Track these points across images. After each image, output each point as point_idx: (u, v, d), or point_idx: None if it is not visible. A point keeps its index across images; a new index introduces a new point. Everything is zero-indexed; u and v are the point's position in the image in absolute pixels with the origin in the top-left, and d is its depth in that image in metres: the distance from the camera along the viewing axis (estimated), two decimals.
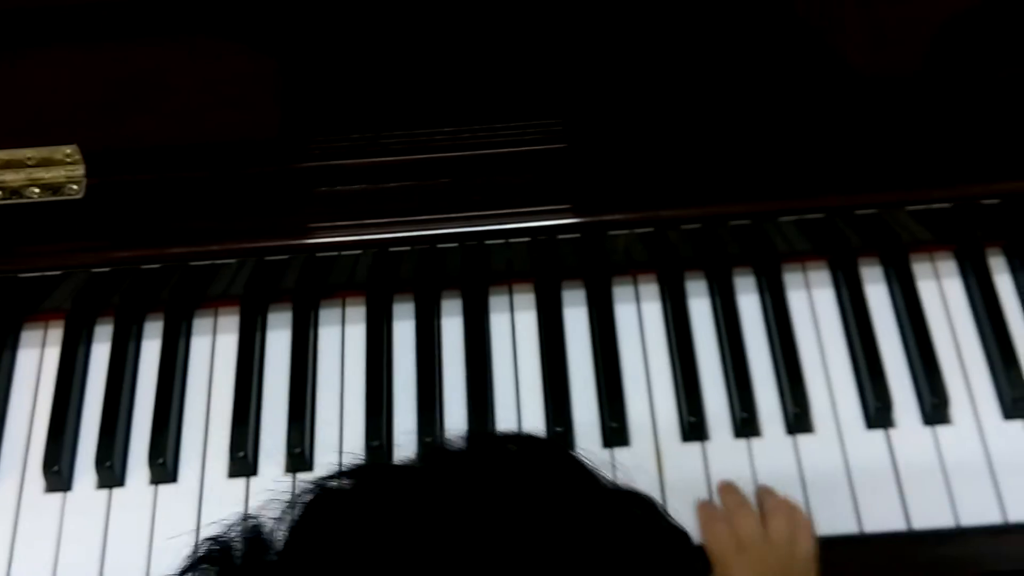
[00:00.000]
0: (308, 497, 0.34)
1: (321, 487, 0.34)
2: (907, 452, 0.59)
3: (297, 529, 0.33)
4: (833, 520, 0.56)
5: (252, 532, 0.33)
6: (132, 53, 0.54)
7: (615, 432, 0.59)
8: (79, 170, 0.54)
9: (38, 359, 0.63)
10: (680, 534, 0.36)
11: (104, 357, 0.62)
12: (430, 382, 0.61)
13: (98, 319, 0.63)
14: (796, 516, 0.57)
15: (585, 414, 0.60)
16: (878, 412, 0.59)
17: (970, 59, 0.59)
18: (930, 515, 0.57)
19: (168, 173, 0.55)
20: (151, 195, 0.55)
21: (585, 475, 0.35)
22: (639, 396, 0.61)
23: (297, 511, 0.33)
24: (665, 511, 0.35)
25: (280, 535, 0.33)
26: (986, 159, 0.60)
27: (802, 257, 0.65)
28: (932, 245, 0.65)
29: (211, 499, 0.58)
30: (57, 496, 0.59)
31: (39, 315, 0.63)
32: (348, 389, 0.61)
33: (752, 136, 0.60)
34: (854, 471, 0.58)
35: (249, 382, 0.61)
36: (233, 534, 0.33)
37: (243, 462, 0.58)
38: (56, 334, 0.63)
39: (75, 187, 0.54)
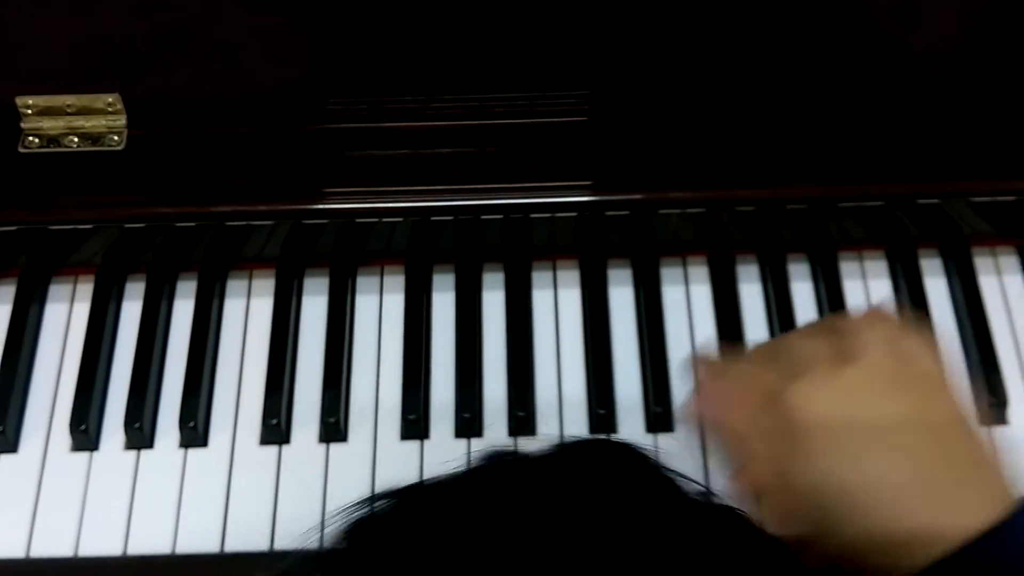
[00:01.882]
0: (349, 524, 0.31)
1: (365, 512, 0.31)
2: None
3: (348, 557, 0.30)
4: None
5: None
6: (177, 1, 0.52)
7: (660, 417, 0.57)
8: (120, 120, 0.52)
9: (67, 314, 0.61)
10: (778, 545, 0.30)
11: (135, 315, 0.60)
12: (470, 356, 0.59)
13: (130, 276, 0.61)
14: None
15: (629, 397, 0.58)
16: None
17: None
18: None
19: (211, 128, 0.53)
20: (193, 150, 0.53)
21: (671, 488, 0.30)
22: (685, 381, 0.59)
23: (336, 543, 0.30)
24: (760, 527, 0.30)
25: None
26: None
27: (859, 246, 0.62)
28: (994, 239, 0.62)
29: (241, 465, 0.57)
30: (83, 456, 0.57)
31: (68, 269, 0.61)
32: (384, 360, 0.60)
33: (814, 119, 0.58)
34: None
35: (284, 347, 0.59)
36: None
37: (276, 429, 0.57)
38: (86, 289, 0.61)
39: (116, 138, 0.52)
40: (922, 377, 0.38)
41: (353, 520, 0.31)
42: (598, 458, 0.33)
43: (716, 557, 0.28)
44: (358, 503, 0.31)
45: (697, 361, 0.46)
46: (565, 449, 0.33)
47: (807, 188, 0.56)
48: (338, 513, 0.31)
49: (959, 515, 0.34)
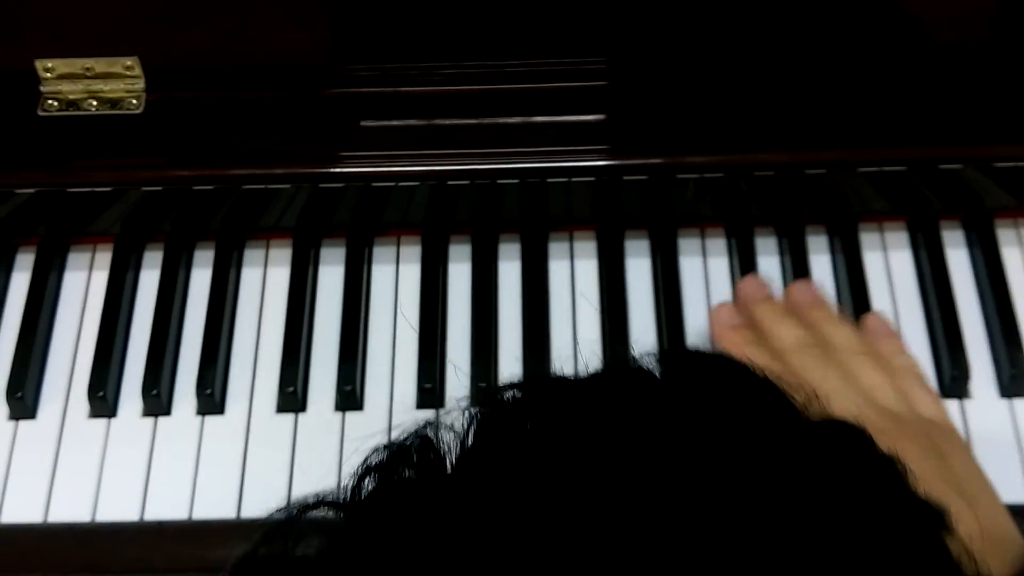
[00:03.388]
0: (483, 412, 0.30)
1: (497, 400, 0.30)
2: (981, 424, 0.56)
3: (476, 447, 0.29)
4: None
5: (423, 445, 0.30)
6: None
7: None
8: (139, 84, 0.52)
9: (85, 282, 0.61)
10: (889, 460, 0.29)
11: (153, 284, 0.61)
12: (485, 327, 0.59)
13: (148, 245, 0.62)
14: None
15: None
16: (954, 381, 0.56)
17: None
18: (1004, 490, 0.54)
19: (228, 92, 0.53)
20: (211, 114, 0.53)
21: (786, 403, 0.30)
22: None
23: (473, 425, 0.30)
24: (873, 440, 0.29)
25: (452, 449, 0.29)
26: None
27: (879, 217, 0.62)
28: (1017, 211, 0.61)
29: (258, 432, 0.57)
30: (101, 422, 0.57)
31: (87, 238, 0.62)
32: (401, 329, 0.60)
33: (834, 82, 0.57)
34: None
35: (300, 316, 0.59)
36: (405, 446, 0.30)
37: (292, 397, 0.57)
38: (104, 258, 0.61)
39: (134, 101, 0.52)
40: (933, 427, 0.42)
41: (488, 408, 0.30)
42: (717, 367, 0.32)
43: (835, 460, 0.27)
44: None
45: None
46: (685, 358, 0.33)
47: (827, 152, 0.56)
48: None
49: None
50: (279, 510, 0.30)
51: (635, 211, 0.61)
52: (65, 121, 0.52)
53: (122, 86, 0.51)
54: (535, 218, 0.61)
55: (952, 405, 0.57)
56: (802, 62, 0.56)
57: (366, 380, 0.58)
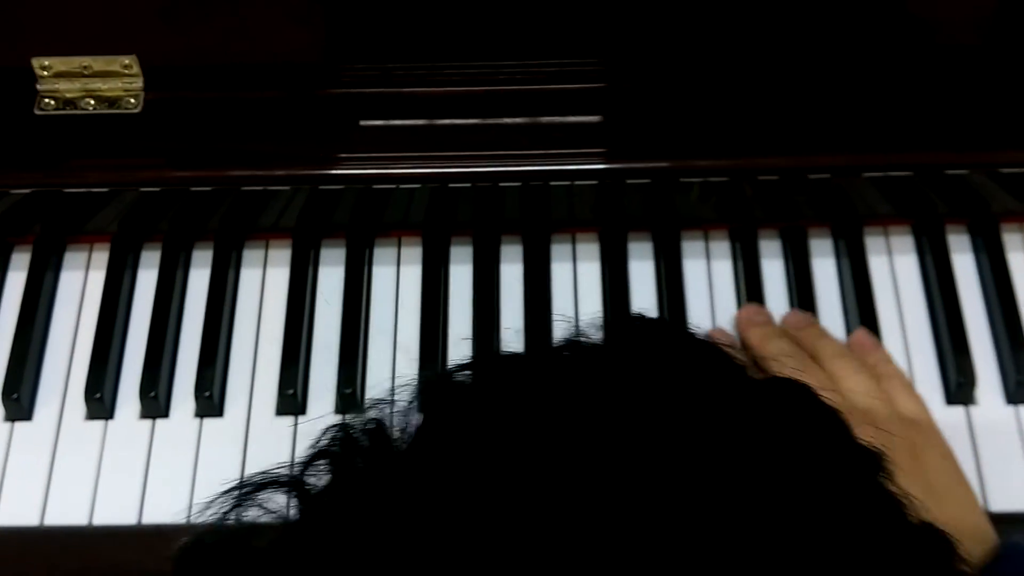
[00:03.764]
0: (433, 390, 0.31)
1: (446, 379, 0.31)
2: (987, 430, 0.56)
3: (426, 428, 0.29)
4: None
5: (375, 428, 0.30)
6: None
7: None
8: (137, 83, 0.51)
9: (82, 282, 0.61)
10: (831, 412, 0.30)
11: (151, 284, 0.60)
12: (488, 328, 0.58)
13: (145, 244, 0.61)
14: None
15: None
16: (959, 387, 0.56)
17: None
18: (1009, 498, 0.54)
19: (228, 92, 0.52)
20: (209, 114, 0.52)
21: (730, 362, 0.30)
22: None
23: (421, 405, 0.30)
24: (817, 394, 0.30)
25: (401, 432, 0.30)
26: None
27: (885, 220, 0.61)
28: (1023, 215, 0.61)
29: (257, 435, 0.56)
30: (98, 424, 0.57)
31: (84, 237, 0.61)
32: (402, 331, 0.59)
33: (840, 86, 0.56)
34: None
35: (300, 318, 0.58)
36: (354, 430, 0.30)
37: (292, 400, 0.56)
38: (101, 257, 0.61)
39: (132, 100, 0.51)
40: (912, 427, 0.45)
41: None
42: (661, 332, 0.33)
43: (786, 423, 0.28)
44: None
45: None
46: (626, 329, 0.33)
47: (832, 156, 0.55)
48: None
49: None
50: (227, 490, 0.29)
51: (638, 213, 0.61)
52: (62, 120, 0.51)
53: (120, 85, 0.51)
54: (537, 220, 0.61)
55: (958, 411, 0.56)
56: (807, 65, 0.56)
57: (367, 382, 0.58)
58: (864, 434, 0.37)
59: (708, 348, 0.31)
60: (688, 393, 0.28)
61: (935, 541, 0.28)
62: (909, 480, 0.37)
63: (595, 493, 0.25)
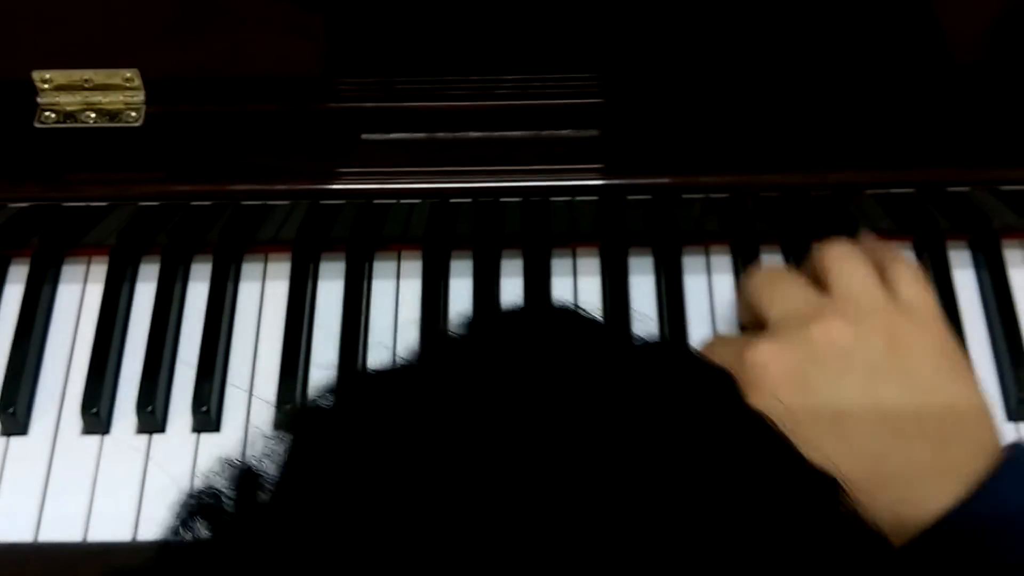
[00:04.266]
0: (297, 423, 0.30)
1: (308, 408, 0.30)
2: None
3: (291, 458, 0.29)
4: None
5: (240, 474, 0.29)
6: None
7: None
8: (139, 96, 0.51)
9: (80, 295, 0.60)
10: (721, 373, 0.29)
11: (149, 297, 0.59)
12: None
13: (144, 257, 0.60)
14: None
15: None
16: None
17: None
18: None
19: (229, 106, 0.52)
20: (211, 127, 0.52)
21: (602, 330, 0.30)
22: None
23: (287, 440, 0.29)
24: (696, 352, 0.30)
25: (272, 470, 0.29)
26: None
27: (887, 236, 0.61)
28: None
29: (255, 450, 0.55)
30: (94, 439, 0.56)
31: (82, 249, 0.61)
32: (401, 345, 0.59)
33: (841, 104, 0.56)
34: None
35: (299, 332, 0.58)
36: (220, 481, 0.29)
37: (290, 415, 0.56)
38: (99, 270, 0.60)
39: (134, 114, 0.51)
40: (906, 314, 0.39)
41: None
42: (532, 318, 0.32)
43: (665, 387, 0.27)
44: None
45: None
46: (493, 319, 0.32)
47: (835, 174, 0.55)
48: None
49: (918, 508, 0.33)
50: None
51: (639, 228, 0.61)
52: (62, 133, 0.51)
53: (121, 98, 0.50)
54: (538, 234, 0.61)
55: None
56: (809, 84, 0.56)
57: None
58: (830, 321, 0.36)
59: (588, 327, 0.30)
60: (554, 381, 0.27)
61: (818, 484, 0.26)
62: (883, 370, 0.36)
63: (465, 512, 0.24)
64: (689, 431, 0.26)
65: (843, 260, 0.42)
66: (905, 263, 0.44)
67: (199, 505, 0.30)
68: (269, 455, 0.30)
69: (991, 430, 0.38)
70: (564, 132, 0.56)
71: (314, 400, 0.31)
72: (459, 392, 0.27)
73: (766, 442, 0.27)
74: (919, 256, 0.61)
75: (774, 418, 0.28)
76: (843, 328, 0.37)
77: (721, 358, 0.37)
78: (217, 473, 0.30)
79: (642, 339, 0.30)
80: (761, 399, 0.31)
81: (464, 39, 0.54)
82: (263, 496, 0.29)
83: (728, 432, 0.26)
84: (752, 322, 0.44)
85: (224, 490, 0.30)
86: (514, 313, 0.33)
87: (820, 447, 0.29)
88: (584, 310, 0.31)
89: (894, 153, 0.55)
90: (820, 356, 0.37)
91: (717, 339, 0.46)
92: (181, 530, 0.30)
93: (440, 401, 0.27)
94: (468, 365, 0.29)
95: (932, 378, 0.39)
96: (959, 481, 0.34)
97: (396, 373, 0.30)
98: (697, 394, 0.27)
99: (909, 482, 0.35)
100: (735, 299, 0.57)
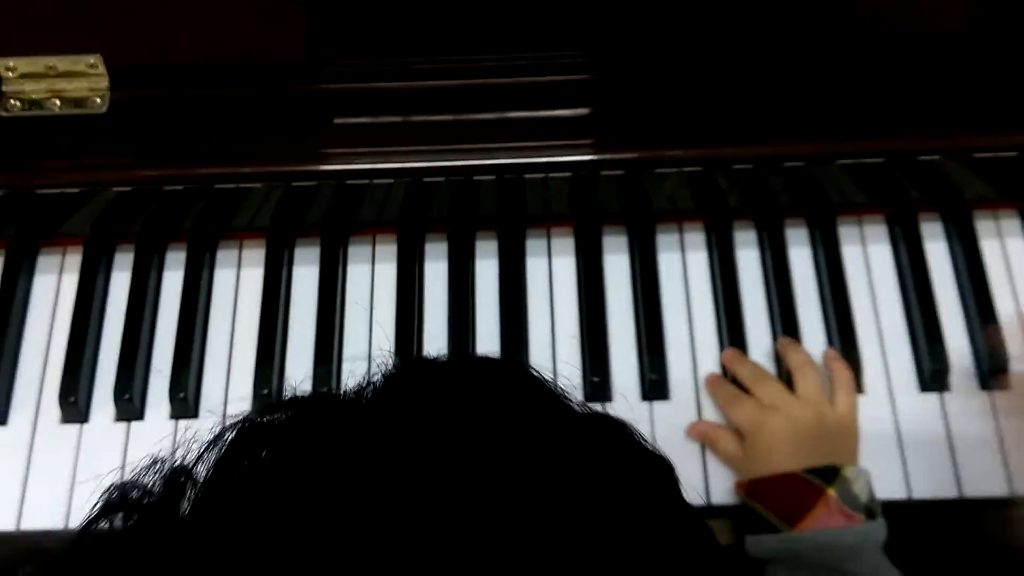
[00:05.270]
0: (232, 434, 0.31)
1: (247, 421, 0.31)
2: (960, 416, 0.56)
3: (217, 470, 0.30)
4: (880, 483, 0.53)
5: (173, 473, 0.30)
6: None
7: (655, 384, 0.57)
8: (103, 83, 0.51)
9: (55, 286, 0.60)
10: (658, 459, 0.32)
11: (124, 286, 0.60)
12: (463, 326, 0.58)
13: (118, 246, 0.61)
14: (836, 373, 0.56)
15: (624, 365, 0.58)
16: (934, 375, 0.56)
17: None
18: (983, 482, 0.54)
19: (196, 90, 0.52)
20: (177, 112, 0.52)
21: (548, 397, 0.32)
22: (682, 349, 0.58)
23: (221, 449, 0.30)
24: (641, 436, 0.32)
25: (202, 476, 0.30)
26: None
27: (859, 210, 0.61)
28: (996, 202, 0.61)
29: (190, 448, 0.56)
30: (73, 428, 0.56)
31: (57, 240, 0.61)
32: (377, 330, 0.59)
33: (813, 74, 0.56)
34: (905, 435, 0.55)
35: (274, 318, 0.58)
36: (150, 477, 0.30)
37: (267, 400, 0.56)
38: (74, 260, 0.60)
39: (98, 100, 0.51)
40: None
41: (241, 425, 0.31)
42: (476, 368, 0.34)
43: (595, 459, 0.30)
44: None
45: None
46: (458, 366, 0.34)
47: (806, 145, 0.55)
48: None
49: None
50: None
51: (613, 206, 0.61)
52: (29, 121, 0.51)
53: (86, 85, 0.50)
54: (512, 214, 0.61)
55: (932, 398, 0.56)
56: (778, 55, 0.56)
57: (342, 382, 0.57)
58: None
59: (532, 386, 0.32)
60: (476, 426, 0.29)
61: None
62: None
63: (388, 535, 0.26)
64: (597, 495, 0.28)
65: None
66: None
67: (122, 498, 0.30)
68: (202, 459, 0.31)
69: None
70: (538, 112, 0.56)
71: (252, 416, 0.32)
72: (402, 436, 0.29)
73: (687, 529, 0.30)
74: (891, 229, 0.61)
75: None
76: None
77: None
78: (147, 469, 0.31)
79: (585, 409, 0.33)
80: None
81: (439, 22, 0.54)
82: (186, 498, 0.29)
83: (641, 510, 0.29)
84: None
85: (150, 487, 0.30)
86: (462, 366, 0.35)
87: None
88: (535, 372, 0.33)
89: (863, 123, 0.55)
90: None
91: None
92: (103, 519, 0.30)
93: (362, 443, 0.29)
94: (412, 412, 0.30)
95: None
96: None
97: (331, 404, 0.32)
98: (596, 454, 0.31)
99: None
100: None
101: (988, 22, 0.56)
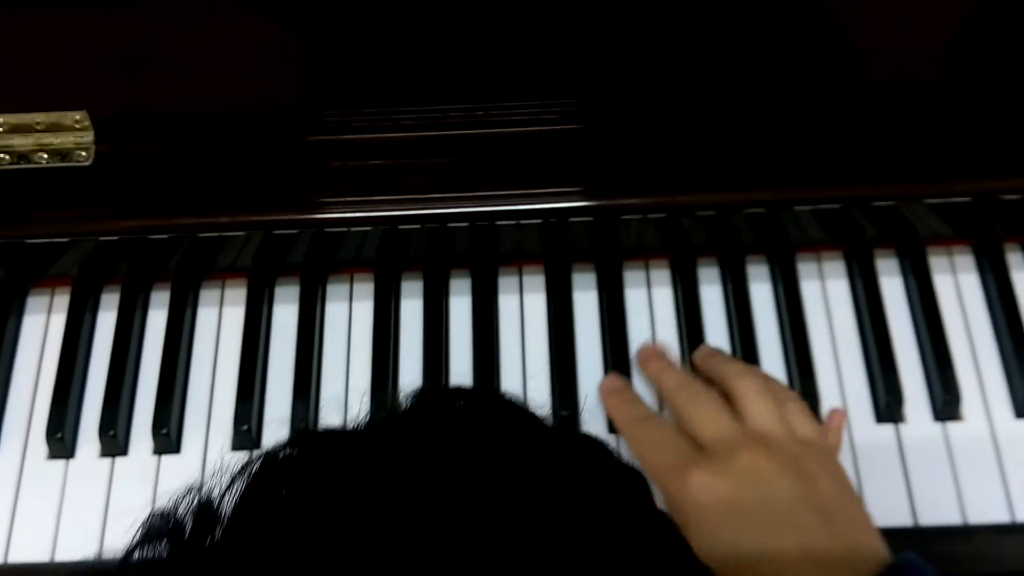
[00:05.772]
0: (255, 467, 0.33)
1: (268, 456, 0.33)
2: (916, 447, 0.58)
3: (243, 503, 0.32)
4: None
5: (201, 506, 0.32)
6: (144, 15, 0.53)
7: None
8: (88, 136, 0.53)
9: (43, 325, 0.62)
10: (633, 473, 0.33)
11: (110, 325, 0.62)
12: (436, 361, 0.60)
13: (105, 287, 0.63)
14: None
15: (592, 399, 0.60)
16: (888, 406, 0.58)
17: (997, 55, 0.58)
18: (939, 511, 0.56)
19: (178, 142, 0.54)
20: (161, 164, 0.54)
21: (531, 421, 0.34)
22: (649, 383, 0.60)
23: (244, 483, 0.33)
24: (616, 452, 0.34)
25: (228, 508, 0.32)
26: (1009, 155, 0.59)
27: (817, 247, 0.64)
28: (950, 239, 0.64)
29: (213, 471, 0.57)
30: (60, 463, 0.58)
31: (45, 281, 0.63)
32: (354, 365, 0.61)
33: (769, 124, 0.59)
34: (862, 464, 0.58)
35: (255, 356, 0.60)
36: (182, 508, 0.32)
37: (247, 435, 0.58)
38: (62, 300, 0.63)
39: (84, 153, 0.53)
40: (808, 450, 0.44)
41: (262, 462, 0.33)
42: (468, 399, 0.36)
43: (574, 478, 0.31)
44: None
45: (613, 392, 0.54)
46: (439, 396, 0.36)
47: (763, 192, 0.58)
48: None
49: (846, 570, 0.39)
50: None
51: (582, 246, 0.63)
52: (16, 174, 0.53)
53: (72, 138, 0.53)
54: (485, 255, 0.63)
55: (887, 429, 0.59)
56: (737, 109, 0.58)
57: (320, 417, 0.60)
58: (757, 454, 0.39)
59: (517, 413, 0.34)
60: (482, 463, 0.31)
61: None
62: (800, 500, 0.40)
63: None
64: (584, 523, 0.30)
65: (753, 395, 0.47)
66: (798, 402, 0.49)
67: (159, 528, 0.32)
68: (229, 491, 0.33)
69: (880, 543, 0.43)
70: (520, 158, 0.58)
71: (272, 451, 0.34)
72: (407, 468, 0.31)
73: (663, 543, 0.31)
74: (848, 265, 0.63)
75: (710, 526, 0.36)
76: (766, 460, 0.42)
77: (667, 459, 0.44)
78: (179, 499, 0.33)
79: (564, 430, 0.34)
80: (697, 513, 0.39)
81: (428, 74, 0.56)
82: (216, 530, 0.32)
83: (622, 526, 0.31)
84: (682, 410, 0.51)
85: (183, 518, 0.32)
86: (454, 397, 0.37)
87: (773, 534, 0.38)
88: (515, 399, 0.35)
89: (819, 171, 0.57)
90: (749, 483, 0.42)
91: (668, 436, 0.48)
92: (139, 549, 0.32)
93: (391, 473, 0.31)
94: (415, 444, 0.32)
95: (836, 502, 0.44)
96: (856, 567, 0.40)
97: (343, 439, 0.34)
98: (600, 490, 0.32)
99: (835, 564, 0.40)
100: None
101: (935, 73, 0.59)
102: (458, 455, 0.31)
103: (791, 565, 0.39)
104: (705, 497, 0.40)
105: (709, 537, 0.40)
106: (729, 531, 0.40)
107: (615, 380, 0.57)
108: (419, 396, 0.36)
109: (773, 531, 0.40)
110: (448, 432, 0.32)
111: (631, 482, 0.34)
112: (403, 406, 0.35)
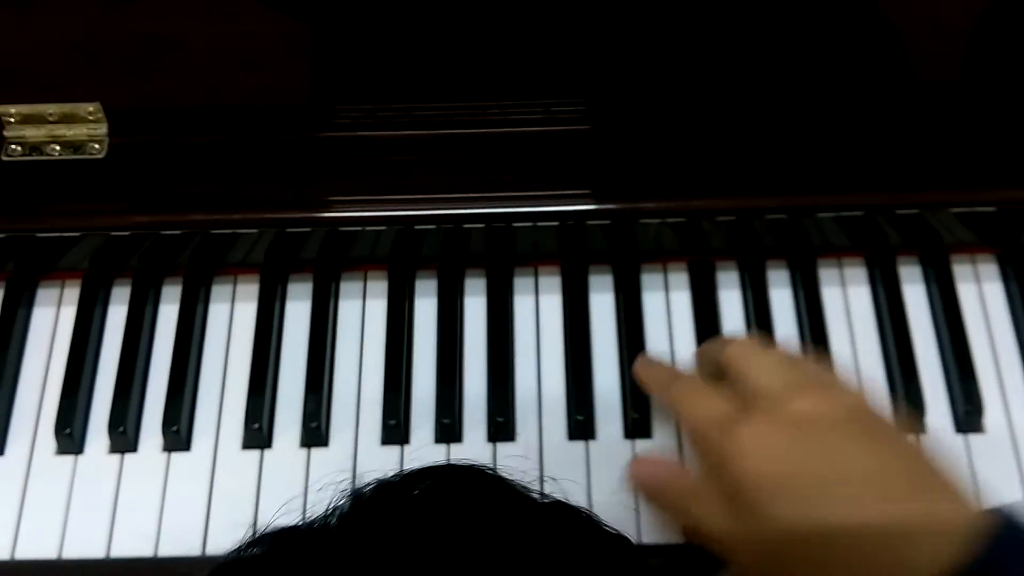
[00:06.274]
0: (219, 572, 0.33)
1: (234, 559, 0.33)
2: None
3: None
4: None
5: None
6: (158, 7, 0.52)
7: (638, 423, 0.58)
8: (101, 128, 0.52)
9: (53, 318, 0.62)
10: (620, 539, 0.33)
11: (120, 319, 0.61)
12: (450, 361, 0.60)
13: (116, 281, 0.62)
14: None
15: (608, 403, 0.59)
16: (909, 415, 0.58)
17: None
18: None
19: (193, 136, 0.53)
20: (174, 158, 0.53)
21: (513, 495, 0.33)
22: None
23: None
24: (600, 520, 0.32)
25: None
26: None
27: (839, 252, 0.63)
28: (974, 247, 0.63)
29: (224, 469, 0.57)
30: (68, 459, 0.58)
31: (56, 273, 0.62)
32: (367, 365, 0.60)
33: (794, 129, 0.58)
34: None
35: (267, 352, 0.60)
36: None
37: (258, 434, 0.57)
38: (72, 294, 0.62)
39: (97, 146, 0.52)
40: (857, 405, 0.38)
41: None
42: (440, 479, 0.35)
43: (560, 554, 0.30)
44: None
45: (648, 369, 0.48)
46: (404, 481, 0.35)
47: (786, 198, 0.57)
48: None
49: (940, 545, 0.33)
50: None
51: (600, 247, 0.62)
52: (28, 166, 0.53)
53: (85, 130, 0.52)
54: (500, 255, 0.62)
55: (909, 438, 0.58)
56: (759, 112, 0.57)
57: (332, 416, 0.59)
58: (758, 425, 0.35)
59: (496, 488, 0.33)
60: (465, 542, 0.30)
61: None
62: (876, 457, 0.34)
63: None
64: None
65: (767, 365, 0.41)
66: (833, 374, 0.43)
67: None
68: None
69: (956, 477, 0.37)
70: (539, 158, 0.57)
71: (240, 551, 0.33)
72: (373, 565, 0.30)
73: None
74: (870, 272, 0.62)
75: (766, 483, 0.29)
76: (827, 406, 0.36)
77: (706, 413, 0.37)
78: None
79: (547, 500, 0.33)
80: (747, 477, 0.33)
81: (447, 69, 0.55)
82: None
83: None
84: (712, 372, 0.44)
85: None
86: (417, 480, 0.35)
87: (843, 494, 0.30)
88: (492, 471, 0.34)
89: (843, 177, 0.56)
90: (811, 434, 0.36)
91: (712, 390, 0.41)
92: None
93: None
94: (380, 537, 0.31)
95: (897, 441, 0.38)
96: (951, 541, 0.32)
97: (302, 539, 0.33)
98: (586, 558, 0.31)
99: (907, 542, 0.33)
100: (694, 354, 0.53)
101: (975, 72, 0.58)
102: (419, 547, 0.30)
103: (877, 528, 0.32)
104: (759, 450, 0.33)
105: (774, 510, 0.32)
106: (797, 498, 0.32)
107: (645, 356, 0.54)
108: (377, 488, 0.35)
109: (846, 490, 0.33)
110: (407, 525, 0.32)
111: (618, 553, 0.32)
112: (364, 495, 0.34)
